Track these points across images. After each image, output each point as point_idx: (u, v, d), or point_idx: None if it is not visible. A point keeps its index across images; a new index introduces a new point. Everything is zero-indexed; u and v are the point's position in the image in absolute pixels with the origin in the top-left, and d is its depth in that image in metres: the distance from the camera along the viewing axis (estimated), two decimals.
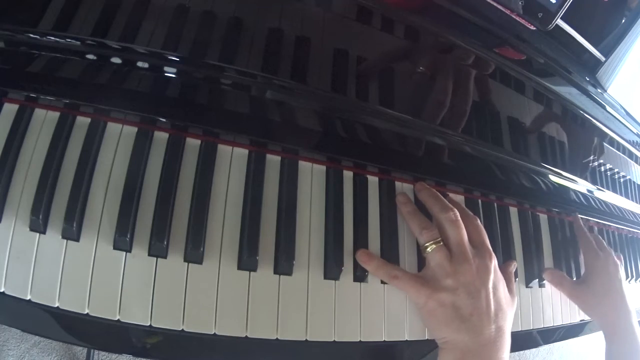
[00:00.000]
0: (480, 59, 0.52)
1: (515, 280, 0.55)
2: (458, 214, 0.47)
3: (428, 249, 0.46)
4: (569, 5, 0.48)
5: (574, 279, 0.65)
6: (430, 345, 0.48)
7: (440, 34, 0.49)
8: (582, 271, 0.67)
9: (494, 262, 0.46)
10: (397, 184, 0.51)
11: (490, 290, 0.44)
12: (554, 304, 0.62)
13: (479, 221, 0.49)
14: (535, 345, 0.60)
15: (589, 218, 0.72)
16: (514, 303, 0.50)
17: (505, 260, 0.56)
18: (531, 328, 0.58)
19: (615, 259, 0.64)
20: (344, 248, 0.45)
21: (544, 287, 0.61)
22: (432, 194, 0.50)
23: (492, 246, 0.51)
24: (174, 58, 0.41)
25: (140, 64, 0.41)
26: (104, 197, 0.39)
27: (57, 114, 0.40)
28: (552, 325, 0.61)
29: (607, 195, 0.74)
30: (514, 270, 0.54)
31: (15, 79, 0.39)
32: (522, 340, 0.58)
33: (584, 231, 0.66)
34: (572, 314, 0.64)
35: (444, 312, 0.43)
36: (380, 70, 0.48)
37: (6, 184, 0.37)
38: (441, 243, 0.46)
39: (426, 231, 0.46)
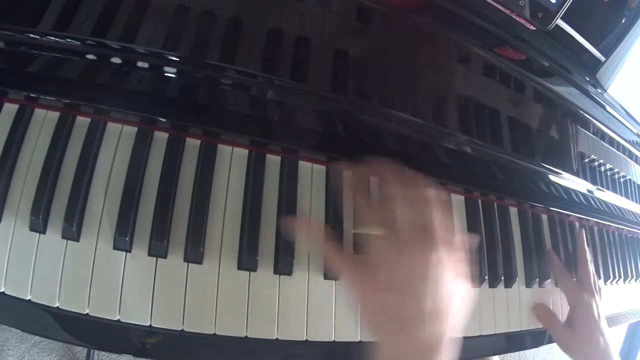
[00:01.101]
0: (480, 58, 0.52)
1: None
2: (412, 193, 0.39)
3: (368, 234, 0.38)
4: (569, 5, 0.48)
5: (574, 279, 0.65)
6: None
7: (440, 34, 0.49)
8: (569, 307, 0.63)
9: (444, 253, 0.37)
10: None
11: (436, 286, 0.36)
12: (553, 304, 0.62)
13: (431, 206, 0.40)
14: (536, 345, 0.60)
15: (589, 218, 0.72)
16: (470, 298, 0.41)
17: (505, 262, 0.56)
18: (531, 328, 0.58)
19: (598, 298, 0.61)
20: (344, 248, 0.45)
21: (544, 287, 0.61)
22: (381, 172, 0.42)
23: (492, 246, 0.51)
24: (174, 58, 0.41)
25: (140, 64, 0.41)
26: (104, 197, 0.39)
27: (57, 114, 0.40)
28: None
29: (607, 195, 0.74)
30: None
31: (15, 79, 0.39)
32: (522, 340, 0.58)
33: (561, 271, 0.62)
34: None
35: (375, 310, 0.37)
36: (380, 70, 0.48)
37: (6, 184, 0.37)
38: (383, 230, 0.38)
39: (368, 210, 0.39)
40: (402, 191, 0.39)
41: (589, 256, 0.65)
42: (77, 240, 0.37)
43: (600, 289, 0.64)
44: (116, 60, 0.40)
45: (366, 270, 0.37)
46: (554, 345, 0.60)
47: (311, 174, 0.47)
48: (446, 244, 0.38)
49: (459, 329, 0.37)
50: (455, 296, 0.38)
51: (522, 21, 0.49)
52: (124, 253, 0.38)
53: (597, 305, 0.60)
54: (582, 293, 0.60)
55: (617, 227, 0.81)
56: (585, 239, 0.66)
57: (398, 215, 0.38)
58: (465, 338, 0.51)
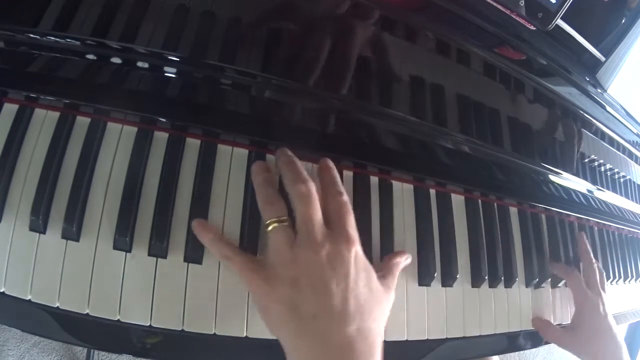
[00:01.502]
0: (480, 58, 0.52)
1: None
2: (313, 187, 0.37)
3: (269, 228, 0.36)
4: (569, 5, 0.48)
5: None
6: (431, 346, 0.48)
7: (439, 34, 0.49)
8: (575, 306, 0.63)
9: (355, 249, 0.36)
10: (397, 183, 0.51)
11: (348, 283, 0.34)
12: (554, 304, 0.62)
13: (346, 198, 0.39)
14: (536, 345, 0.60)
15: (589, 218, 0.72)
16: (389, 298, 0.39)
17: (505, 262, 0.56)
18: (531, 328, 0.58)
19: (604, 296, 0.61)
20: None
21: (544, 287, 0.61)
22: (289, 161, 0.40)
23: (492, 246, 0.51)
24: (174, 58, 0.41)
25: (140, 64, 0.41)
26: (104, 197, 0.39)
27: (57, 114, 0.40)
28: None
29: (607, 195, 0.74)
30: (400, 263, 0.44)
31: (15, 79, 0.39)
32: (522, 340, 0.58)
33: (568, 271, 0.62)
34: (572, 314, 0.64)
35: (279, 310, 0.34)
36: (380, 70, 0.48)
37: (6, 184, 0.37)
38: (285, 223, 0.36)
39: (269, 206, 0.37)
40: (302, 186, 0.37)
41: (592, 255, 0.65)
42: (77, 240, 0.37)
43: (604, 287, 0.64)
44: (116, 60, 0.40)
45: (267, 267, 0.35)
46: (554, 345, 0.60)
47: (311, 174, 0.47)
48: (358, 243, 0.37)
49: (377, 330, 0.36)
50: (370, 290, 0.36)
51: (522, 21, 0.49)
52: (124, 253, 0.38)
53: (603, 304, 0.60)
54: (588, 292, 0.61)
55: (617, 227, 0.81)
56: (586, 239, 0.66)
57: (302, 211, 0.36)
58: (465, 338, 0.51)
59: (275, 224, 0.36)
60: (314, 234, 0.35)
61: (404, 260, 0.45)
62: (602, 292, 0.61)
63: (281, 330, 0.35)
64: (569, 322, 0.62)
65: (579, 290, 0.61)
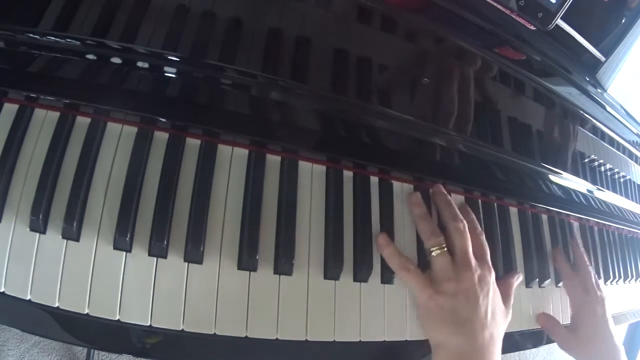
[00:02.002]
0: (480, 58, 0.52)
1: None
2: (467, 225, 0.49)
3: (433, 253, 0.47)
4: (569, 5, 0.48)
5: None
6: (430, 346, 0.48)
7: (440, 34, 0.49)
8: (572, 309, 0.63)
9: (493, 276, 0.49)
10: (397, 183, 0.51)
11: (488, 299, 0.46)
12: (553, 304, 0.62)
13: (484, 237, 0.51)
14: (536, 345, 0.60)
15: (589, 218, 0.72)
16: (508, 317, 0.50)
17: (505, 262, 0.56)
18: (531, 328, 0.58)
19: (603, 296, 0.62)
20: (344, 248, 0.45)
21: (544, 287, 0.61)
22: (446, 200, 0.51)
23: (492, 246, 0.51)
24: (174, 58, 0.41)
25: (140, 64, 0.41)
26: (104, 197, 0.39)
27: (57, 114, 0.40)
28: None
29: (607, 195, 0.74)
30: (515, 282, 0.54)
31: (15, 79, 0.39)
32: (522, 340, 0.58)
33: (566, 271, 0.63)
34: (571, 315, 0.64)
35: (441, 314, 0.45)
36: (380, 71, 0.48)
37: (6, 184, 0.37)
38: (445, 249, 0.47)
39: (434, 237, 0.48)
40: (460, 224, 0.49)
41: (586, 258, 0.65)
42: (77, 240, 0.37)
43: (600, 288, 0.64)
44: (116, 60, 0.40)
45: (435, 282, 0.46)
46: (554, 345, 0.61)
47: (311, 174, 0.47)
48: (491, 270, 0.48)
49: (500, 339, 0.47)
50: (498, 307, 0.48)
51: (522, 21, 0.49)
52: (124, 253, 0.38)
53: (601, 305, 0.61)
54: (585, 294, 0.61)
55: (617, 227, 0.81)
56: (579, 243, 0.66)
57: (461, 242, 0.48)
58: None
59: (439, 251, 0.47)
60: (470, 261, 0.47)
61: (517, 281, 0.55)
62: (598, 294, 0.62)
63: (440, 330, 0.45)
64: (569, 325, 0.62)
65: (576, 294, 0.62)
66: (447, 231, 0.49)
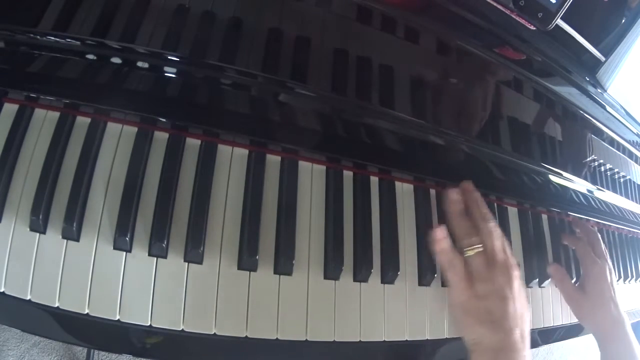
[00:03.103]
0: (480, 58, 0.52)
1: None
2: (497, 225, 0.50)
3: (470, 253, 0.48)
4: (569, 5, 0.48)
5: (574, 280, 0.65)
6: (431, 345, 0.48)
7: (440, 34, 0.49)
8: (582, 272, 0.67)
9: (518, 274, 0.49)
10: (397, 183, 0.51)
11: (516, 297, 0.47)
12: (553, 304, 0.62)
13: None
14: (535, 345, 0.60)
15: (589, 218, 0.72)
16: (530, 310, 0.51)
17: None
18: (531, 328, 0.58)
19: (610, 264, 0.64)
20: (344, 248, 0.45)
21: (544, 287, 0.61)
22: (478, 199, 0.52)
23: None
24: (174, 58, 0.41)
25: (140, 64, 0.41)
26: (104, 197, 0.39)
27: (57, 114, 0.40)
28: (551, 325, 0.61)
29: (607, 195, 0.74)
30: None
31: (15, 79, 0.39)
32: None
33: (578, 238, 0.66)
34: (572, 314, 0.64)
35: (478, 314, 0.46)
36: (380, 71, 0.48)
37: (6, 184, 0.37)
38: (481, 249, 0.48)
39: (469, 237, 0.49)
40: (492, 224, 0.49)
41: (590, 227, 0.69)
42: (77, 240, 0.37)
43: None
44: (116, 60, 0.40)
45: (472, 282, 0.47)
46: (554, 345, 0.61)
47: (311, 174, 0.47)
48: (517, 267, 0.49)
49: (527, 333, 0.47)
50: (525, 305, 0.48)
51: (522, 21, 0.49)
52: (124, 253, 0.38)
53: (610, 272, 0.63)
54: (596, 257, 0.64)
55: (617, 227, 0.81)
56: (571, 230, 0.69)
57: (493, 242, 0.48)
58: None
59: (474, 251, 0.48)
60: (501, 261, 0.47)
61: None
62: (607, 260, 0.64)
63: (477, 329, 0.46)
64: (579, 282, 0.65)
65: (587, 257, 0.64)
66: (479, 230, 0.49)
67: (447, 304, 0.50)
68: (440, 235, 0.48)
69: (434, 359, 0.50)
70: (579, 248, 0.65)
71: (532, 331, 0.58)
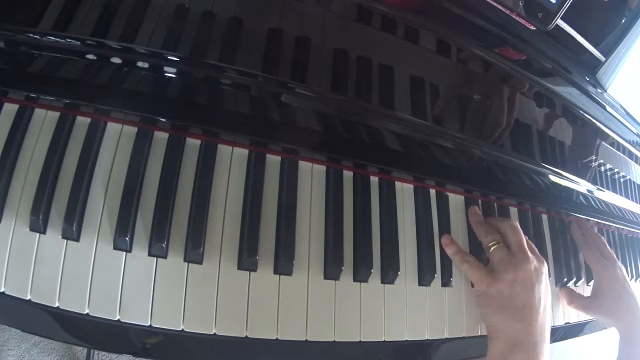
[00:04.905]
0: (480, 58, 0.52)
1: None
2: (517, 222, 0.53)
3: (492, 249, 0.51)
4: (569, 5, 0.48)
5: (574, 279, 0.65)
6: (431, 346, 0.48)
7: (440, 34, 0.49)
8: (582, 272, 0.67)
9: (546, 269, 0.51)
10: (397, 184, 0.51)
11: (542, 288, 0.49)
12: (553, 304, 0.62)
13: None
14: None
15: (589, 218, 0.72)
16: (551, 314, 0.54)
17: None
18: None
19: (619, 262, 0.65)
20: (344, 248, 0.45)
21: None
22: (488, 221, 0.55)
23: None
24: (174, 58, 0.41)
25: (140, 64, 0.41)
26: (104, 197, 0.39)
27: (57, 114, 0.40)
28: (551, 325, 0.61)
29: (607, 195, 0.74)
30: None
31: (15, 79, 0.39)
32: None
33: (584, 241, 0.67)
34: (572, 314, 0.64)
35: (500, 300, 0.48)
36: (380, 71, 0.48)
37: (6, 184, 0.37)
38: (502, 243, 0.51)
39: (490, 234, 0.52)
40: (512, 222, 0.52)
41: (596, 230, 0.70)
42: (77, 240, 0.37)
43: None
44: (116, 60, 0.40)
45: (494, 272, 0.49)
46: (554, 345, 0.61)
47: (311, 174, 0.47)
48: (544, 261, 0.51)
49: (549, 325, 0.49)
50: (549, 300, 0.50)
51: (522, 21, 0.49)
52: (124, 253, 0.38)
53: (620, 269, 0.65)
54: (604, 260, 0.65)
55: (617, 227, 0.81)
56: (577, 228, 0.70)
57: (515, 237, 0.51)
58: (467, 338, 0.51)
59: (496, 245, 0.51)
60: (527, 252, 0.50)
61: None
62: (616, 260, 0.65)
63: (498, 315, 0.48)
64: (590, 292, 0.66)
65: (596, 261, 0.65)
66: (501, 230, 0.53)
67: (473, 295, 0.52)
68: (446, 241, 0.51)
69: (434, 359, 0.50)
70: (587, 254, 0.66)
71: None
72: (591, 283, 0.68)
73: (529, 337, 0.46)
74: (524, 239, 0.51)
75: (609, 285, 0.63)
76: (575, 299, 0.63)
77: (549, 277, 0.61)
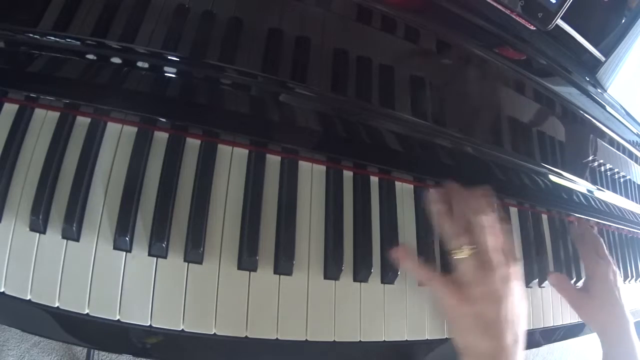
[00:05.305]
0: (480, 58, 0.52)
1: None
2: (493, 218, 0.46)
3: (458, 255, 0.45)
4: (569, 5, 0.48)
5: (574, 279, 0.65)
6: (430, 346, 0.48)
7: (440, 34, 0.49)
8: (582, 272, 0.67)
9: (516, 268, 0.46)
10: (397, 184, 0.51)
11: (513, 297, 0.44)
12: (553, 304, 0.62)
13: (510, 225, 0.50)
14: (536, 345, 0.60)
15: (589, 218, 0.72)
16: (527, 304, 0.49)
17: None
18: (531, 328, 0.58)
19: (615, 267, 0.64)
20: (344, 248, 0.45)
21: (544, 287, 0.61)
22: (466, 195, 0.48)
23: None
24: (174, 58, 0.41)
25: (140, 64, 0.41)
26: (104, 197, 0.39)
27: (57, 114, 0.40)
28: (552, 325, 0.61)
29: (607, 195, 0.74)
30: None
31: (15, 79, 0.39)
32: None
33: (582, 238, 0.67)
34: (572, 314, 0.64)
35: (468, 319, 0.44)
36: (380, 71, 0.48)
37: (6, 184, 0.37)
38: (471, 250, 0.45)
39: (457, 237, 0.46)
40: (484, 219, 0.46)
41: (595, 230, 0.69)
42: (77, 240, 0.37)
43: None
44: (116, 60, 0.40)
45: (462, 287, 0.44)
46: (554, 345, 0.61)
47: (311, 174, 0.47)
48: (517, 263, 0.46)
49: (522, 335, 0.45)
50: (522, 304, 0.46)
51: (522, 21, 0.49)
52: (124, 253, 0.38)
53: (613, 273, 0.63)
54: (599, 258, 0.64)
55: (617, 227, 0.81)
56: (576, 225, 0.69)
57: (485, 240, 0.45)
58: None
59: (464, 253, 0.45)
60: (493, 261, 0.44)
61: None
62: (610, 261, 0.65)
63: (468, 334, 0.44)
64: (582, 285, 0.65)
65: (590, 259, 0.65)
66: (471, 226, 0.46)
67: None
68: (400, 255, 0.45)
69: (434, 359, 0.50)
70: (583, 250, 0.66)
71: (533, 331, 0.58)
72: None
73: (501, 353, 0.42)
74: (493, 243, 0.45)
75: (598, 285, 0.63)
76: (565, 287, 0.62)
77: (547, 279, 0.61)
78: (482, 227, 0.45)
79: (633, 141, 0.76)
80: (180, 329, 0.38)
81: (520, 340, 0.44)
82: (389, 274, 0.47)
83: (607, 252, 0.66)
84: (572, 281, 0.65)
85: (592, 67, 0.59)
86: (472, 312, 0.43)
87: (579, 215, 0.69)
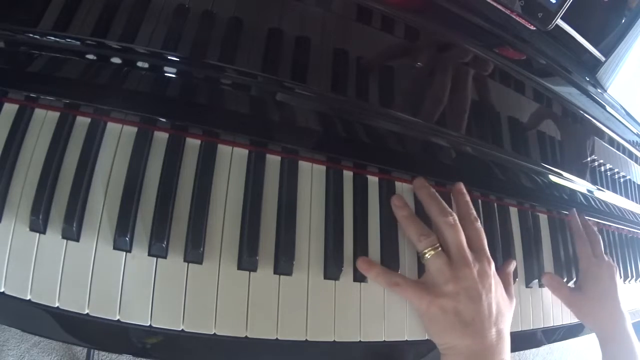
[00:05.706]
0: (480, 58, 0.52)
1: (514, 282, 0.55)
2: (456, 217, 0.47)
3: (427, 256, 0.45)
4: (569, 5, 0.48)
5: (574, 279, 0.65)
6: (429, 346, 0.48)
7: (440, 34, 0.49)
8: (580, 271, 0.67)
9: (493, 266, 0.46)
10: (397, 184, 0.51)
11: (491, 294, 0.44)
12: (553, 304, 0.62)
13: (479, 223, 0.49)
14: (536, 345, 0.60)
15: (589, 218, 0.72)
16: (513, 305, 0.50)
17: (505, 260, 0.56)
18: (531, 328, 0.58)
19: (611, 263, 0.64)
20: (344, 248, 0.45)
21: (544, 287, 0.61)
22: (430, 194, 0.49)
23: (492, 246, 0.51)
24: (174, 58, 0.41)
25: (140, 64, 0.41)
26: (104, 197, 0.39)
27: (57, 114, 0.40)
28: (552, 325, 0.61)
29: (607, 195, 0.74)
30: (512, 270, 0.54)
31: (15, 79, 0.39)
32: (523, 341, 0.58)
33: (580, 233, 0.66)
34: (572, 314, 0.64)
35: (445, 318, 0.43)
36: (380, 71, 0.48)
37: (6, 184, 0.37)
38: (439, 249, 0.45)
39: (424, 237, 0.46)
40: (449, 218, 0.46)
41: (594, 228, 0.69)
42: (77, 240, 0.37)
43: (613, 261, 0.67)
44: (116, 60, 0.40)
45: (434, 287, 0.44)
46: (554, 346, 0.61)
47: (311, 174, 0.47)
48: (490, 260, 0.46)
49: (507, 332, 0.45)
50: (502, 298, 0.46)
51: (522, 21, 0.49)
52: (124, 253, 0.38)
53: (609, 270, 0.63)
54: (593, 257, 0.64)
55: (617, 227, 0.81)
56: (577, 217, 0.69)
57: (451, 238, 0.45)
58: None
59: (433, 252, 0.45)
60: (467, 257, 0.45)
61: (513, 267, 0.54)
62: (606, 259, 0.65)
63: (446, 334, 0.43)
64: (577, 283, 0.65)
65: (585, 257, 0.64)
66: (437, 227, 0.47)
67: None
68: (363, 266, 0.45)
69: (434, 358, 0.50)
70: (579, 247, 0.65)
71: (534, 331, 0.58)
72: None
73: (485, 350, 0.42)
74: (463, 239, 0.45)
75: (593, 283, 0.62)
76: (559, 287, 0.61)
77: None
78: (449, 225, 0.46)
79: (633, 141, 0.76)
80: (180, 329, 0.38)
81: (505, 337, 0.44)
82: None
83: (603, 251, 0.66)
84: (572, 282, 0.65)
85: (592, 67, 0.59)
86: (448, 310, 0.43)
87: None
